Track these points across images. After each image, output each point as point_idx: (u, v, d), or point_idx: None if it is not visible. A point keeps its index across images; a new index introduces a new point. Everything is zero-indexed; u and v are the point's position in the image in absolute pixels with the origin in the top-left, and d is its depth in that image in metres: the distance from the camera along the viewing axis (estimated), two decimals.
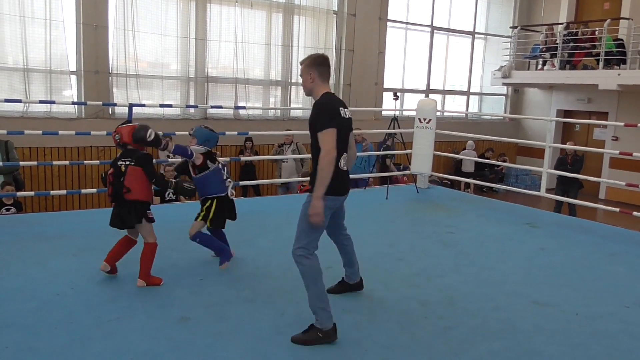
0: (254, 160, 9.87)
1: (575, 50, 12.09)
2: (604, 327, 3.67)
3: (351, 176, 3.80)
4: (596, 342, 3.46)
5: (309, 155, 9.30)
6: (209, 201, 4.34)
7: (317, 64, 3.41)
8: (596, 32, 11.79)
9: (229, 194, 4.41)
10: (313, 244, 3.33)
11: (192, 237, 4.35)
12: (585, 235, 6.04)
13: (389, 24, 12.20)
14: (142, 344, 3.19)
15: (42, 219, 6.05)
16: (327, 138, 3.22)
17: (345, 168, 3.45)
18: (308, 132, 3.39)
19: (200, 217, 4.36)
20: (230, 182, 4.44)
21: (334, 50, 11.29)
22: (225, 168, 4.47)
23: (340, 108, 3.38)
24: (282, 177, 9.11)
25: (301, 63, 3.49)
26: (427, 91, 13.35)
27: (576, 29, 12.44)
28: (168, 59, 9.73)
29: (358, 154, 9.27)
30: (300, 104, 11.23)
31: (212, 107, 9.73)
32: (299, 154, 9.21)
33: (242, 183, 8.19)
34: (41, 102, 7.88)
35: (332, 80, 11.26)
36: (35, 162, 7.35)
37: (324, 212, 3.26)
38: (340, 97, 11.40)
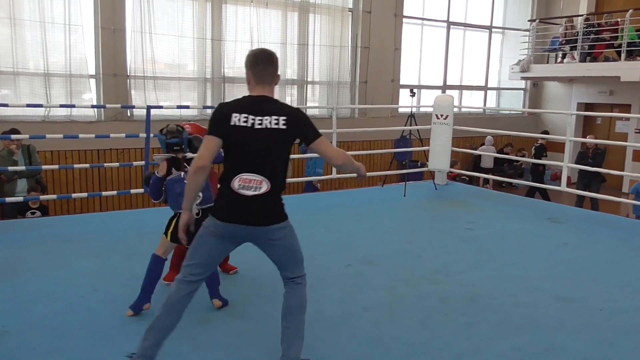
0: None
1: (596, 43, 11.89)
2: (629, 323, 3.61)
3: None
4: (621, 337, 3.41)
5: (298, 156, 9.25)
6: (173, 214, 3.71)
7: (249, 65, 2.81)
8: (618, 23, 11.58)
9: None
10: (190, 269, 2.77)
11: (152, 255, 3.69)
12: (608, 230, 5.94)
13: (404, 20, 12.13)
14: (165, 344, 3.20)
15: (64, 221, 6.14)
16: (202, 145, 2.77)
17: (245, 193, 2.68)
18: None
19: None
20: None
21: (349, 47, 11.26)
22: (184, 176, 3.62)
23: (236, 114, 2.70)
24: None
25: None
26: (444, 87, 13.24)
27: (597, 20, 12.23)
28: (185, 60, 9.80)
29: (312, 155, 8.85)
30: (317, 103, 11.23)
31: None
32: None
33: None
34: (62, 106, 7.99)
35: (348, 78, 11.25)
36: (57, 166, 7.46)
37: (205, 232, 2.76)
38: (357, 94, 11.59)
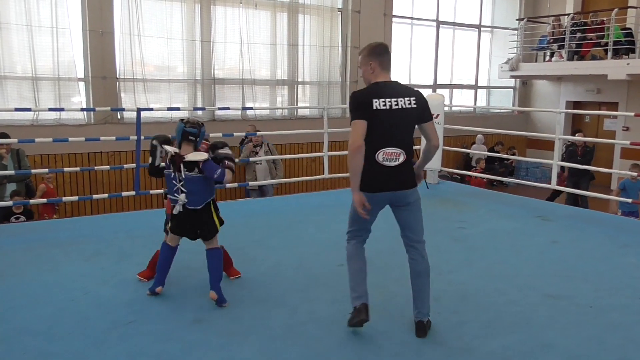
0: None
1: (583, 41, 11.98)
2: (618, 319, 3.64)
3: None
4: (611, 334, 3.44)
5: (282, 157, 9.36)
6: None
7: (375, 56, 3.30)
8: (604, 22, 11.68)
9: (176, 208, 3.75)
10: (353, 233, 3.45)
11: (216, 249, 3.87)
12: (597, 227, 5.99)
13: (394, 19, 12.16)
14: (156, 346, 3.22)
15: (54, 225, 6.11)
16: (352, 130, 3.20)
17: (388, 164, 3.23)
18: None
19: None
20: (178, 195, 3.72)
21: (339, 47, 11.27)
22: (175, 175, 3.72)
23: (375, 99, 3.18)
24: (258, 180, 8.91)
25: (360, 53, 3.37)
26: (435, 86, 13.30)
27: (584, 19, 12.33)
28: (174, 62, 9.77)
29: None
30: (308, 103, 11.23)
31: (219, 108, 9.74)
32: (271, 154, 9.04)
33: (252, 184, 8.26)
34: (50, 109, 7.93)
35: (338, 78, 11.28)
36: (46, 170, 7.41)
37: (364, 206, 3.25)
38: (347, 94, 11.56)
